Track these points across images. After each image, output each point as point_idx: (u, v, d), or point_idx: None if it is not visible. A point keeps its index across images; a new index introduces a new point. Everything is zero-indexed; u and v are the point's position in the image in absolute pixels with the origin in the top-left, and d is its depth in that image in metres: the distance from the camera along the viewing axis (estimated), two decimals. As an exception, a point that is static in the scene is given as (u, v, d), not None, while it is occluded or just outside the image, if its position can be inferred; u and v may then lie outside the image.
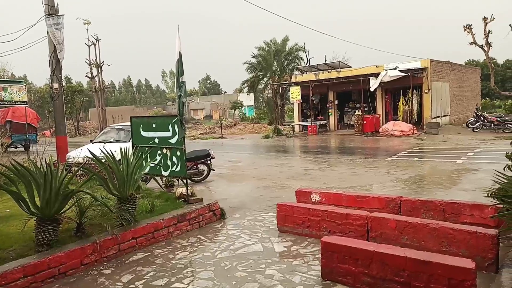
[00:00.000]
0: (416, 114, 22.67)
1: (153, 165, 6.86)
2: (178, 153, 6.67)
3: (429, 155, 14.27)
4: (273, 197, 8.17)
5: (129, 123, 7.92)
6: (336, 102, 26.59)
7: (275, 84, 32.87)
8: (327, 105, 26.77)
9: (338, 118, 27.13)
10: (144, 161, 6.21)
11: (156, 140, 7.02)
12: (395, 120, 22.65)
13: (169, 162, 6.83)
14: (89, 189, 5.33)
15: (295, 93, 25.88)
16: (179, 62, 6.15)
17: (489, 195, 4.09)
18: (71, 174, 5.09)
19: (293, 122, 29.12)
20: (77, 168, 5.65)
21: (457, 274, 3.30)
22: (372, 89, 22.73)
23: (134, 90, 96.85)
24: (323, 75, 25.86)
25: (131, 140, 7.66)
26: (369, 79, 22.51)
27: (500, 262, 4.11)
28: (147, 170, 6.32)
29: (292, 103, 28.98)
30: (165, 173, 7.03)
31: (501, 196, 3.93)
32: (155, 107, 61.84)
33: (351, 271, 3.92)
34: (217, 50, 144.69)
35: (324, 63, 27.81)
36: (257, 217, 6.73)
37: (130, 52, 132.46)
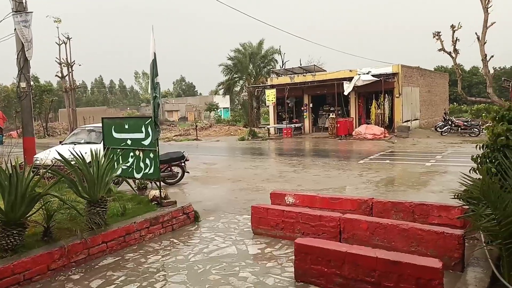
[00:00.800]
0: (387, 118, 23.27)
1: (125, 167, 6.71)
2: (152, 155, 6.56)
3: (400, 157, 14.67)
4: (248, 199, 8.17)
5: (100, 124, 7.73)
6: (311, 105, 26.93)
7: (251, 87, 32.97)
8: (302, 108, 27.06)
9: (312, 121, 27.48)
10: (116, 163, 6.08)
11: (129, 142, 6.87)
12: (368, 124, 23.18)
13: (142, 164, 6.70)
14: (57, 192, 5.15)
15: (270, 96, 26.05)
16: (154, 63, 6.06)
17: (456, 196, 4.24)
18: (38, 176, 4.91)
19: (269, 124, 29.26)
20: (44, 170, 5.45)
21: (425, 274, 3.39)
22: (346, 93, 23.16)
23: (107, 90, 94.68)
24: (298, 79, 26.14)
25: (102, 141, 7.48)
26: (343, 83, 22.93)
27: (466, 261, 4.26)
28: (119, 172, 6.18)
29: (268, 106, 29.15)
30: (137, 176, 6.90)
31: (466, 198, 4.08)
32: (128, 108, 60.69)
33: (323, 272, 3.96)
34: (192, 52, 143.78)
35: (299, 67, 28.16)
36: (231, 220, 6.70)
37: (102, 52, 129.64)
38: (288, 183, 10.06)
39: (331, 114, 25.04)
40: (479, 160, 4.36)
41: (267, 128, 28.29)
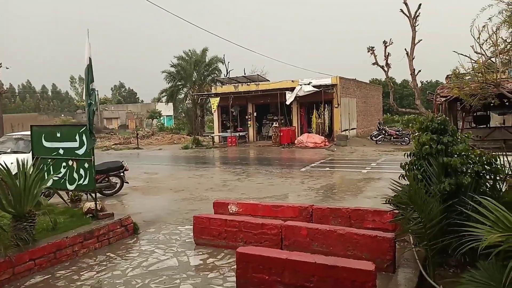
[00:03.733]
0: (327, 127, 24.25)
1: (57, 178, 6.29)
2: (86, 165, 6.20)
3: (339, 165, 15.32)
4: (191, 209, 8.02)
5: (29, 132, 7.18)
6: (255, 114, 27.27)
7: (195, 95, 32.63)
8: (246, 117, 27.31)
9: (257, 129, 27.81)
10: (46, 174, 5.68)
11: (61, 151, 6.45)
12: (309, 133, 23.97)
13: (75, 175, 6.31)
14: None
15: (215, 104, 26.00)
16: (89, 68, 5.77)
17: (387, 202, 4.51)
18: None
19: (213, 133, 29.12)
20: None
21: (359, 276, 3.55)
22: (288, 103, 23.79)
23: (39, 96, 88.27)
24: (242, 88, 26.38)
25: (31, 151, 6.94)
26: (285, 93, 23.54)
27: (397, 262, 4.53)
28: (49, 183, 5.78)
29: (212, 114, 29.04)
30: (71, 187, 6.49)
31: (396, 203, 4.35)
32: (62, 115, 57.10)
33: (265, 280, 3.99)
34: (132, 57, 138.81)
35: (243, 76, 28.43)
36: (173, 231, 6.53)
37: (34, 55, 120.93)
38: (232, 192, 10.05)
39: (274, 123, 25.56)
40: (407, 167, 4.68)
41: (212, 136, 28.14)
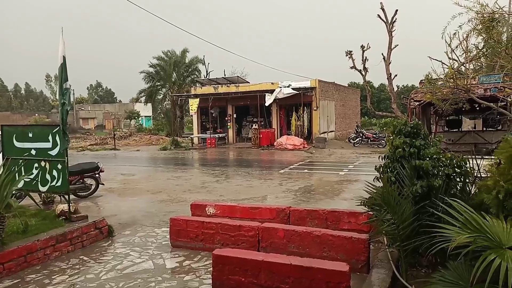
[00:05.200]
0: (306, 129, 24.47)
1: (29, 179, 6.10)
2: (60, 166, 6.05)
3: (317, 167, 15.49)
4: (168, 211, 7.93)
5: (-1, 132, 6.94)
6: (235, 115, 27.24)
7: (174, 95, 32.31)
8: (226, 118, 27.25)
9: (236, 131, 27.79)
10: (17, 175, 5.50)
11: (33, 152, 6.27)
12: (289, 135, 24.12)
13: (48, 176, 6.14)
14: None
15: (194, 105, 25.81)
16: (63, 67, 5.63)
17: (361, 203, 4.58)
18: None
19: (192, 134, 28.90)
20: None
21: (334, 277, 3.60)
22: (267, 104, 23.88)
23: (11, 95, 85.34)
24: (222, 89, 26.32)
25: (1, 151, 6.72)
26: (265, 94, 23.63)
27: (371, 263, 4.62)
28: (20, 185, 5.59)
29: (192, 115, 28.84)
30: (43, 189, 6.30)
31: (371, 204, 4.43)
32: (36, 115, 55.46)
33: (241, 282, 3.99)
34: (110, 56, 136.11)
35: (223, 77, 28.35)
36: (149, 233, 6.44)
37: (4, 53, 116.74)
38: (210, 194, 10.00)
39: (254, 125, 25.59)
40: (381, 170, 4.77)
41: (191, 137, 27.92)
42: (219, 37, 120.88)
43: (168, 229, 5.91)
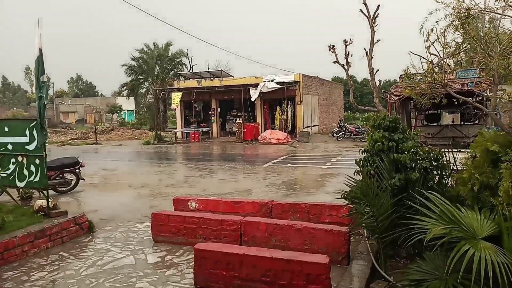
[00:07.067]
0: (290, 124, 24.56)
1: (5, 175, 5.97)
2: (37, 161, 5.92)
3: (301, 161, 15.59)
4: (150, 206, 7.88)
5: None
6: (219, 109, 27.11)
7: (157, 89, 31.93)
8: (210, 112, 27.10)
9: (220, 125, 27.67)
10: (-8, 171, 5.37)
11: (10, 147, 6.12)
12: (273, 129, 24.17)
13: (25, 172, 6.01)
14: None
15: (176, 99, 25.55)
16: (40, 59, 5.49)
17: (342, 196, 4.65)
18: None
19: (176, 128, 28.66)
20: None
21: (314, 270, 3.65)
22: (252, 99, 23.85)
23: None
24: (206, 83, 26.12)
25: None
26: (249, 89, 23.58)
27: (352, 255, 4.70)
28: (-4, 181, 5.46)
29: (175, 109, 28.57)
30: (20, 184, 6.17)
31: (351, 197, 4.50)
32: (14, 108, 54.04)
33: (222, 276, 4.00)
34: (90, 48, 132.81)
35: (207, 71, 28.12)
36: (130, 228, 6.39)
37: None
38: (193, 188, 9.96)
39: (238, 119, 25.53)
40: (361, 163, 4.84)
41: (174, 132, 27.68)
42: (203, 30, 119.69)
43: (150, 224, 5.87)
